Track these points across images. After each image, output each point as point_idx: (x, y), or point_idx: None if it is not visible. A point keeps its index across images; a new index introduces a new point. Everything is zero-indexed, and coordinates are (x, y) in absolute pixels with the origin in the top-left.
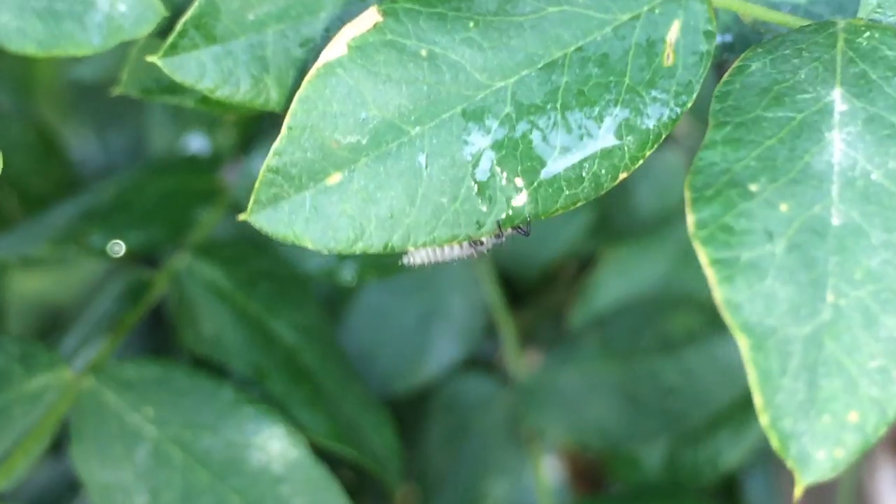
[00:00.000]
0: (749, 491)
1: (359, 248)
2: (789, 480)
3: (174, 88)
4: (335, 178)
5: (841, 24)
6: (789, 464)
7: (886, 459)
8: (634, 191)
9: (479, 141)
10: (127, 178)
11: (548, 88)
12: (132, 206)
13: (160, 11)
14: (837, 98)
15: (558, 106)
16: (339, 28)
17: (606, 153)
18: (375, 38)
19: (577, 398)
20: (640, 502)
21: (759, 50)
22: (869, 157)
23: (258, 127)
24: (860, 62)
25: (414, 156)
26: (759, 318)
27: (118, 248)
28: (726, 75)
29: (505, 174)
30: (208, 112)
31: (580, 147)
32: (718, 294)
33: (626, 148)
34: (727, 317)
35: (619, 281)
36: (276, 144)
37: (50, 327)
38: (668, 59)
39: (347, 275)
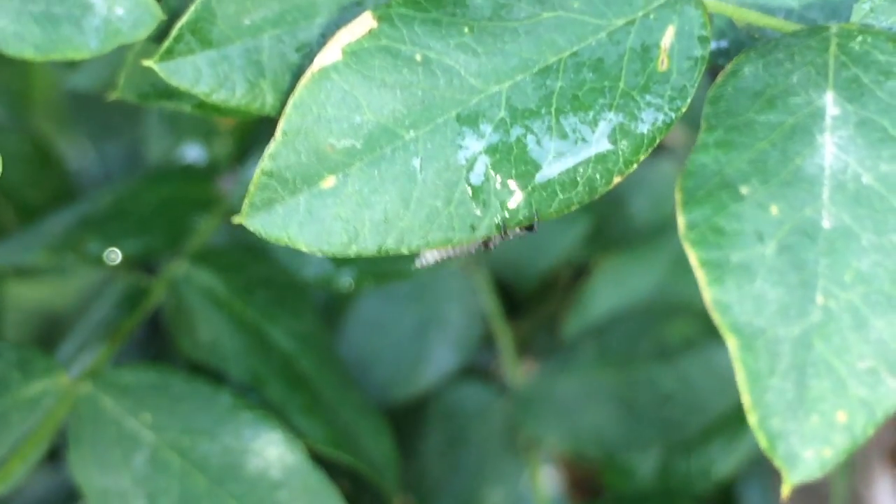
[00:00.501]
0: (745, 500)
1: (353, 251)
2: None
3: (171, 93)
4: (329, 182)
5: (834, 28)
6: (777, 463)
7: (883, 470)
8: (629, 200)
9: (474, 145)
10: (123, 186)
11: (542, 93)
12: (129, 214)
13: (157, 15)
14: (830, 102)
15: (553, 110)
16: (334, 33)
17: (601, 157)
18: (370, 44)
19: (574, 406)
20: None
21: (752, 54)
22: (860, 161)
23: (254, 136)
24: (852, 66)
25: (408, 160)
26: (749, 319)
27: (114, 255)
28: (719, 79)
29: (499, 178)
30: (205, 121)
31: (574, 151)
32: (708, 295)
33: (620, 152)
34: (716, 317)
35: (613, 290)
36: (271, 148)
37: (48, 335)
38: (663, 64)
39: (345, 282)
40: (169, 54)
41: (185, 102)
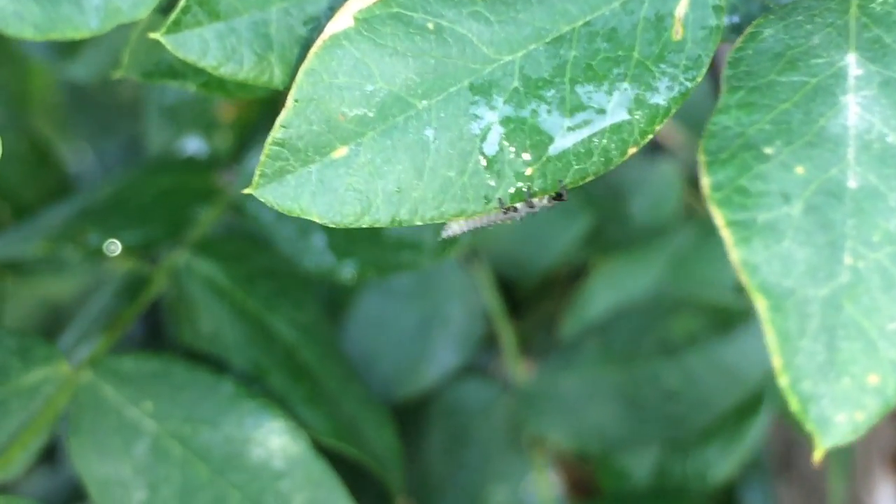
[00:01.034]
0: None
1: (365, 221)
2: (787, 493)
3: (175, 72)
4: (341, 152)
5: None
6: (809, 427)
7: (884, 475)
8: (628, 201)
9: (487, 115)
10: (123, 177)
11: (556, 63)
12: (129, 205)
13: None
14: (852, 62)
15: (566, 80)
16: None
17: (616, 128)
18: (382, 11)
19: (577, 403)
20: None
21: (771, 17)
22: (885, 121)
23: (255, 128)
24: (874, 27)
25: (421, 129)
26: (777, 280)
27: (114, 247)
28: (738, 42)
29: (513, 149)
30: (205, 113)
31: (589, 122)
32: (735, 255)
33: (635, 122)
34: (745, 278)
35: (610, 292)
36: (282, 117)
37: (50, 327)
38: (677, 33)
39: (347, 273)
40: (176, 26)
41: (191, 81)
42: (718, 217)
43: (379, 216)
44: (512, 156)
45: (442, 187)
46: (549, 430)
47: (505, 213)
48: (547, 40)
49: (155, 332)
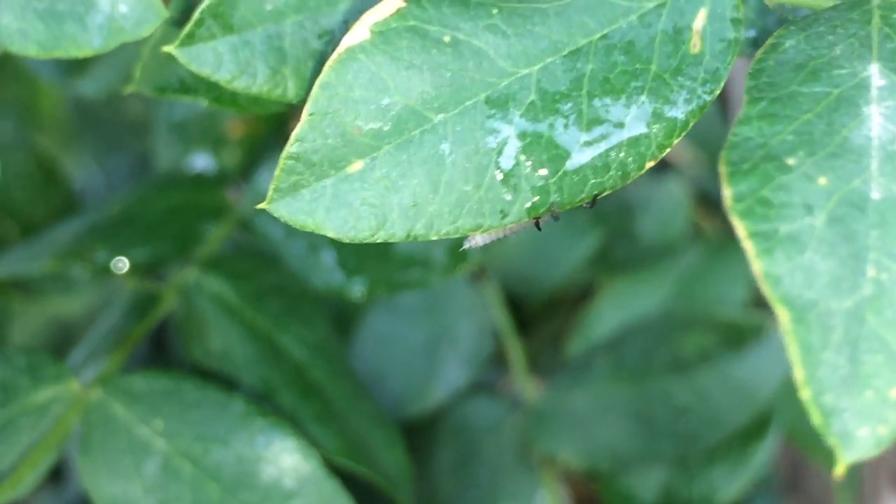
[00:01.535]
0: None
1: (381, 236)
2: None
3: (187, 86)
4: (357, 166)
5: (876, 1)
6: (831, 441)
7: (893, 496)
8: (636, 221)
9: (504, 129)
10: (131, 194)
11: (573, 76)
12: (137, 222)
13: (161, 13)
14: (875, 73)
15: (584, 94)
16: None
17: (633, 141)
18: (398, 24)
19: (588, 421)
20: None
21: (793, 28)
22: None
23: (264, 145)
24: None
25: (437, 143)
26: (800, 291)
27: (122, 264)
28: (759, 53)
29: (530, 163)
30: (213, 130)
31: (606, 135)
32: (758, 266)
33: (653, 136)
34: (767, 290)
35: (618, 312)
36: (297, 130)
37: (60, 345)
38: (695, 46)
39: (357, 290)
40: (189, 39)
41: (203, 95)
42: (740, 228)
43: (394, 231)
44: (528, 170)
45: (458, 202)
46: (559, 448)
47: (532, 221)
48: (564, 53)
49: (160, 348)
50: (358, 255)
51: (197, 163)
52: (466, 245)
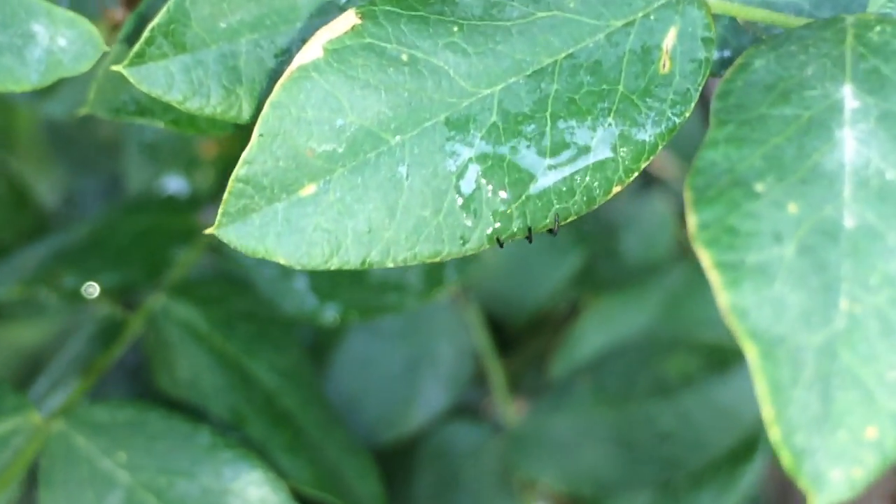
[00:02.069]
0: None
1: (334, 263)
2: None
3: (143, 108)
4: (309, 189)
5: (850, 19)
6: (802, 484)
7: None
8: (620, 239)
9: (464, 151)
10: (101, 217)
11: (536, 97)
12: (106, 246)
13: (101, 47)
14: (848, 94)
15: (548, 115)
16: None
17: (599, 165)
18: (353, 42)
19: (569, 445)
20: None
21: (763, 47)
22: (883, 156)
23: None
24: (871, 57)
25: (394, 166)
26: (768, 325)
27: (92, 289)
28: (728, 74)
29: (491, 187)
30: (186, 152)
31: (571, 159)
32: (724, 298)
33: (620, 160)
34: (733, 323)
35: (602, 332)
36: (246, 153)
37: (28, 373)
38: (665, 66)
39: (329, 316)
40: (140, 58)
41: (159, 118)
42: (705, 258)
43: (349, 258)
44: (490, 194)
45: (415, 227)
46: (541, 472)
47: None
48: (527, 73)
49: (142, 368)
50: (331, 280)
51: (169, 184)
52: None
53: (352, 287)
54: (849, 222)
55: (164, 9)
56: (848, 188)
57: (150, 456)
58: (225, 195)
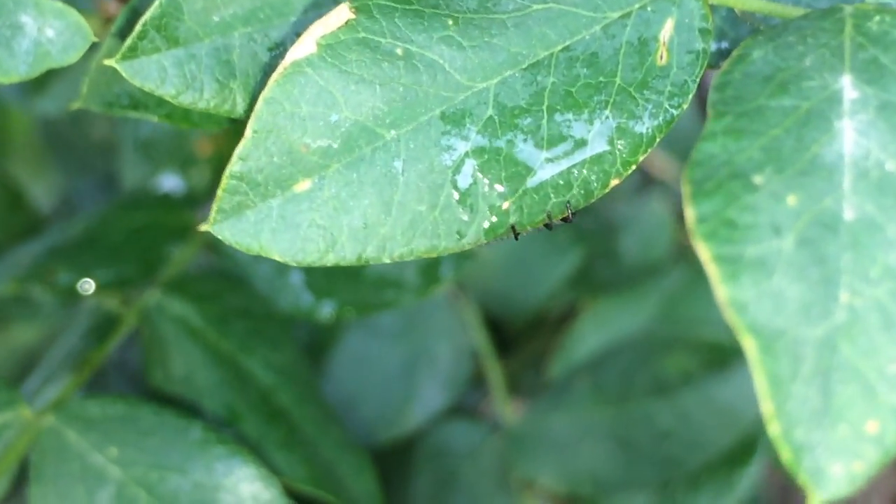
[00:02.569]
0: None
1: (330, 260)
2: None
3: (137, 102)
4: (304, 185)
5: (848, 9)
6: (802, 479)
7: None
8: (618, 241)
9: (460, 146)
10: (95, 214)
11: (533, 90)
12: (101, 243)
13: (89, 37)
14: (847, 85)
15: (544, 108)
16: None
17: (597, 158)
18: (347, 36)
19: (568, 444)
20: None
21: (760, 38)
22: (883, 146)
23: None
24: (870, 47)
25: (389, 161)
26: (767, 319)
27: (88, 286)
28: (725, 65)
29: (487, 181)
30: (181, 150)
31: (568, 152)
32: (722, 292)
33: (617, 153)
34: (732, 317)
35: (599, 333)
36: (240, 149)
37: (24, 368)
38: (662, 58)
39: (325, 313)
40: (132, 52)
41: (153, 112)
42: (703, 251)
43: (344, 254)
44: (486, 188)
45: (411, 223)
46: (539, 472)
47: None
48: (523, 66)
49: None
50: (327, 277)
51: (165, 183)
52: None
53: (348, 284)
54: (848, 214)
55: (157, 2)
56: (847, 179)
57: (141, 451)
58: (219, 191)
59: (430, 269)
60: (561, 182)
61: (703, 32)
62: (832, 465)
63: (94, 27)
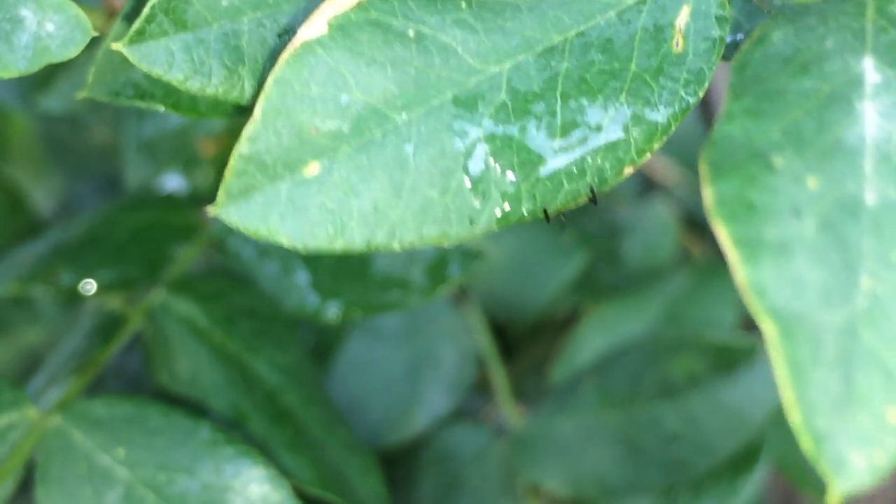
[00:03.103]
0: None
1: (339, 245)
2: None
3: (143, 91)
4: (313, 168)
5: None
6: (822, 468)
7: None
8: (622, 245)
9: (472, 130)
10: (98, 214)
11: (547, 75)
12: (104, 243)
13: (89, 32)
14: (869, 68)
15: (558, 94)
16: None
17: (611, 146)
18: (359, 17)
19: (574, 448)
20: None
21: (781, 19)
22: None
23: None
24: (892, 30)
25: (400, 145)
26: (787, 303)
27: (90, 286)
28: (745, 46)
29: (499, 167)
30: (185, 149)
31: (582, 139)
32: (742, 275)
33: (632, 140)
34: (752, 300)
35: (603, 338)
36: (249, 130)
37: (29, 369)
38: (678, 45)
39: (332, 313)
40: (140, 36)
41: (160, 101)
42: (722, 233)
43: (353, 239)
44: (499, 175)
45: (422, 208)
46: (545, 476)
47: None
48: (537, 51)
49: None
50: (333, 277)
51: (168, 183)
52: None
53: (354, 283)
54: (870, 198)
55: None
56: (869, 163)
57: (149, 452)
58: (226, 173)
59: (436, 269)
60: (574, 170)
61: (720, 20)
62: (853, 455)
63: (98, 21)
